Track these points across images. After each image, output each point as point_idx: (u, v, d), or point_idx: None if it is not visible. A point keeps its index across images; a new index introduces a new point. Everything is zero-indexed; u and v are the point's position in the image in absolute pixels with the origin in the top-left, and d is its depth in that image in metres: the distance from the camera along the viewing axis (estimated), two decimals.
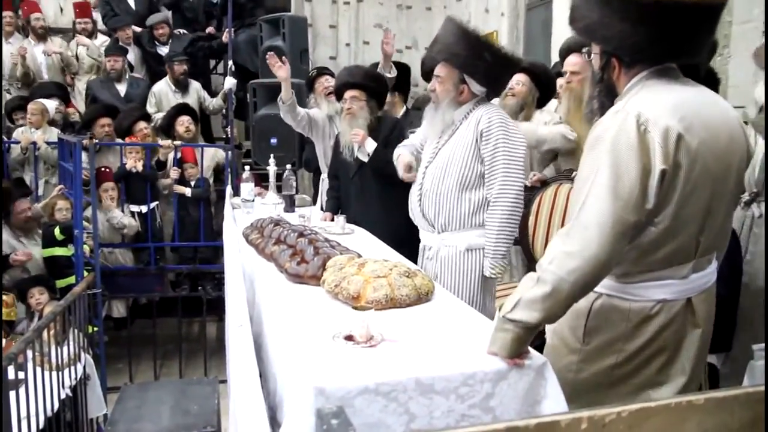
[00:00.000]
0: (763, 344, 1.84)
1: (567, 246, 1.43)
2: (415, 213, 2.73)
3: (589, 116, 1.74)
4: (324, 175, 4.18)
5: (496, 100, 2.92)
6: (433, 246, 2.68)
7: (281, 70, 3.86)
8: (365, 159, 3.39)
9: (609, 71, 1.63)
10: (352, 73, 3.61)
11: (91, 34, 6.08)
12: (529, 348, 1.49)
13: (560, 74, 3.43)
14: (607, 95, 1.64)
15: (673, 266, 1.56)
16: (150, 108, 5.81)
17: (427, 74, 3.66)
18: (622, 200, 1.42)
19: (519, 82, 3.54)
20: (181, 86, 5.84)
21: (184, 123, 5.48)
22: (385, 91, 3.64)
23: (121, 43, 6.08)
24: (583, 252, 1.40)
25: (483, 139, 2.51)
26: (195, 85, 5.98)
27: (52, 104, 5.48)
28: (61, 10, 6.66)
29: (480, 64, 2.51)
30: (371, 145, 3.36)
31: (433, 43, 2.71)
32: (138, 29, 6.28)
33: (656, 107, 1.47)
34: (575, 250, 1.41)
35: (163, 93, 5.85)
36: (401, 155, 2.85)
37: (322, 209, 3.81)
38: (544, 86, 3.55)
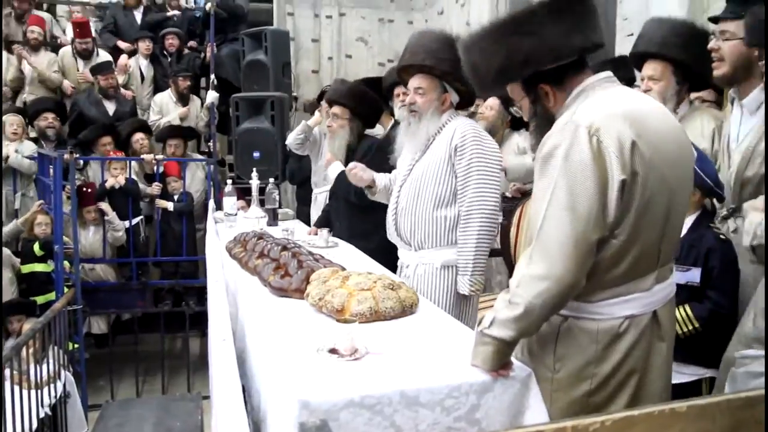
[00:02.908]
0: (746, 351, 1.85)
1: (531, 269, 1.41)
2: (390, 231, 2.68)
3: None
4: (315, 190, 4.15)
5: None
6: (410, 264, 2.62)
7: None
8: (331, 183, 3.34)
9: (542, 101, 1.59)
10: (338, 88, 3.57)
11: (92, 53, 6.06)
12: (513, 359, 1.49)
13: None
14: (547, 127, 1.54)
15: (636, 279, 1.52)
16: (153, 116, 6.01)
17: (389, 90, 3.66)
18: (582, 219, 1.38)
19: (489, 106, 3.57)
20: (184, 99, 6.06)
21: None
22: (374, 111, 3.59)
23: (138, 54, 6.34)
24: (549, 274, 1.38)
25: (457, 154, 2.46)
26: (196, 102, 6.19)
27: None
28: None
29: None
30: (335, 170, 3.26)
31: (410, 55, 2.58)
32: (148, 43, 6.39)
33: (605, 115, 1.43)
34: (540, 272, 1.39)
35: (165, 104, 6.06)
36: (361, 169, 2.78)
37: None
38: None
